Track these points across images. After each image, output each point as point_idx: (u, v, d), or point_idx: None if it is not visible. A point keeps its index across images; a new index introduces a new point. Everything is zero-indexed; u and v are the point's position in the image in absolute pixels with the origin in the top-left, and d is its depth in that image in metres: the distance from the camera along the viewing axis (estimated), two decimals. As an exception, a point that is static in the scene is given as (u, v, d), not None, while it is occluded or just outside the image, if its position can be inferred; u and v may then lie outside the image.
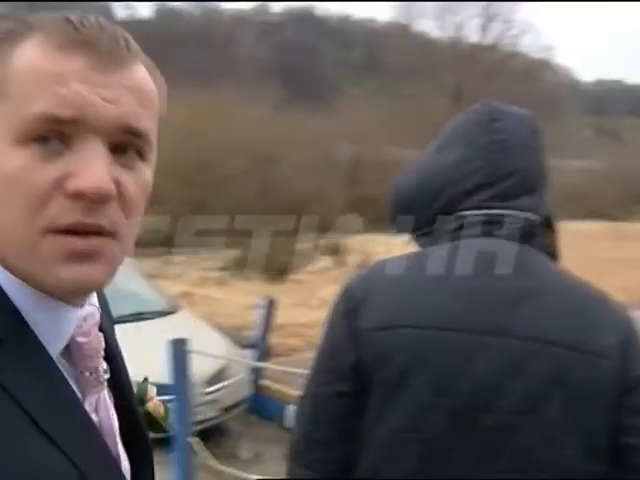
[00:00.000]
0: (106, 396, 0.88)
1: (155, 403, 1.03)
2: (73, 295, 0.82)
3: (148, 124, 0.81)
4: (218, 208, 15.02)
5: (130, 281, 7.38)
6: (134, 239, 0.85)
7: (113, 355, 0.93)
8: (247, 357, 6.91)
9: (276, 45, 51.74)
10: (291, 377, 6.16)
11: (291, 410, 6.39)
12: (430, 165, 1.40)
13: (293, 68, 46.92)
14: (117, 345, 0.98)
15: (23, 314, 0.80)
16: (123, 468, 0.88)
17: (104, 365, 0.87)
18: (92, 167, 0.75)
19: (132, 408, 0.95)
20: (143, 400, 1.02)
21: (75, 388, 0.84)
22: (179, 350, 4.25)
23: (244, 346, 7.13)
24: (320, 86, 44.73)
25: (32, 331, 0.80)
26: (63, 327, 0.82)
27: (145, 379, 1.06)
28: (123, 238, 0.81)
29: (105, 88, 0.77)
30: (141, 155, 0.82)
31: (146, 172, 0.82)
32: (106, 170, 0.76)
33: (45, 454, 0.74)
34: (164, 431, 1.03)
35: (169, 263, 13.21)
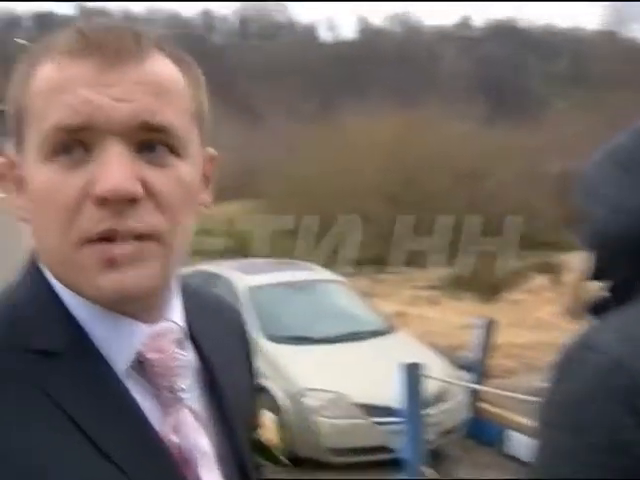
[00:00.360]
0: (190, 417, 0.83)
1: (268, 431, 0.99)
2: (117, 304, 0.78)
3: (170, 117, 0.77)
4: (426, 226, 14.95)
5: (346, 300, 7.49)
6: (184, 240, 0.81)
7: (220, 378, 0.89)
8: (464, 379, 6.74)
9: (479, 59, 50.98)
10: (510, 401, 5.93)
11: (511, 435, 6.14)
12: None
13: (497, 82, 45.95)
14: (236, 369, 0.94)
15: (85, 328, 0.78)
16: None
17: (181, 383, 0.83)
18: (110, 169, 0.73)
19: (234, 435, 0.88)
20: (256, 427, 0.96)
21: (154, 405, 0.81)
22: (413, 374, 4.20)
23: (460, 367, 6.97)
24: (525, 99, 43.39)
25: (93, 344, 0.78)
26: (127, 342, 0.80)
27: (256, 402, 1.00)
28: (166, 239, 0.77)
29: (114, 87, 0.75)
30: (173, 151, 0.77)
31: (182, 168, 0.78)
32: (125, 170, 0.73)
33: (100, 469, 0.73)
34: (277, 461, 0.96)
35: (379, 282, 13.30)
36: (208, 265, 8.60)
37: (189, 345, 0.88)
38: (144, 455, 0.77)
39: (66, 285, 0.79)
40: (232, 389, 0.91)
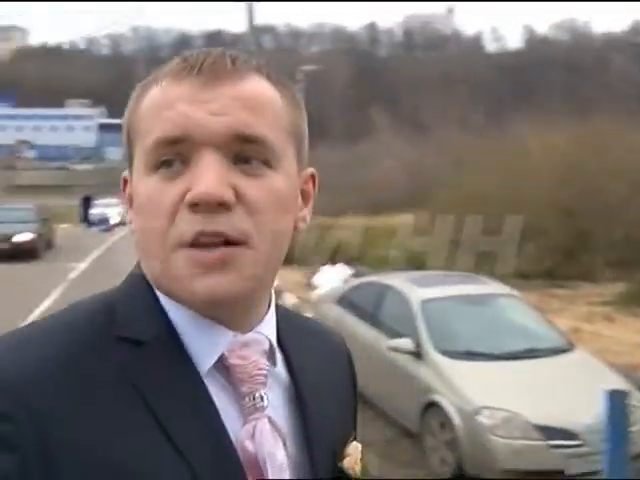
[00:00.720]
0: (268, 426, 0.85)
1: (352, 461, 0.94)
2: (209, 308, 0.82)
3: (264, 131, 0.81)
4: (601, 240, 14.24)
5: (522, 315, 7.23)
6: (276, 248, 0.83)
7: (307, 397, 0.91)
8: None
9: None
10: None
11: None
12: None
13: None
14: (328, 395, 0.95)
15: (175, 326, 0.83)
16: None
17: (262, 393, 0.85)
18: (204, 175, 0.77)
19: (313, 454, 0.89)
20: (341, 455, 0.94)
21: (235, 410, 0.84)
22: (617, 403, 3.99)
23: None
24: None
25: (179, 341, 0.83)
26: (212, 344, 0.83)
27: (352, 436, 0.98)
28: (256, 246, 0.80)
29: (210, 103, 0.80)
30: (266, 163, 0.81)
31: (274, 178, 0.82)
32: (217, 176, 0.77)
33: (161, 453, 0.76)
34: None
35: (550, 296, 12.81)
36: (379, 277, 8.62)
37: (280, 360, 0.91)
38: (215, 457, 0.79)
39: (163, 289, 0.84)
40: (319, 411, 0.92)
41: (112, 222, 33.17)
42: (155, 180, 0.81)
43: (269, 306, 0.91)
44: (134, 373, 0.79)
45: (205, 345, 0.83)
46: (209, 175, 0.78)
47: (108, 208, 35.72)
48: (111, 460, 0.75)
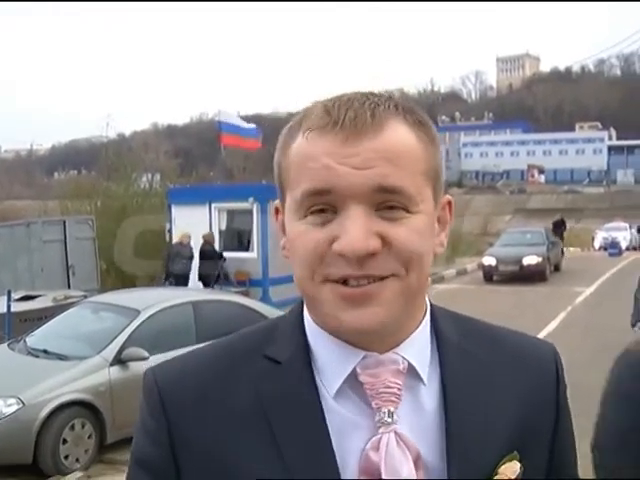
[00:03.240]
0: (394, 441, 0.91)
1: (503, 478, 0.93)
2: (354, 336, 0.92)
3: (403, 181, 0.88)
4: None
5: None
6: (422, 281, 0.92)
7: (454, 421, 0.94)
8: None
9: None
10: None
11: None
12: None
13: None
14: (498, 417, 0.96)
15: (312, 348, 0.96)
16: None
17: (390, 409, 0.92)
18: (348, 231, 0.87)
19: (452, 472, 0.92)
20: (493, 473, 0.94)
21: (365, 423, 0.92)
22: None
23: None
24: None
25: (311, 362, 0.95)
26: (343, 365, 0.93)
27: (513, 456, 0.96)
28: (403, 281, 0.90)
29: (353, 157, 0.88)
30: (406, 209, 0.89)
31: (414, 221, 0.90)
32: (362, 229, 0.87)
33: (265, 458, 0.90)
34: None
35: None
36: None
37: (433, 383, 0.96)
38: (315, 462, 0.89)
39: (313, 315, 0.96)
40: (472, 435, 0.94)
41: (623, 246, 32.01)
42: (305, 226, 0.90)
43: (419, 326, 0.98)
44: (264, 386, 0.94)
45: (336, 365, 0.94)
46: (355, 229, 0.87)
47: (618, 232, 34.62)
48: (224, 464, 0.91)
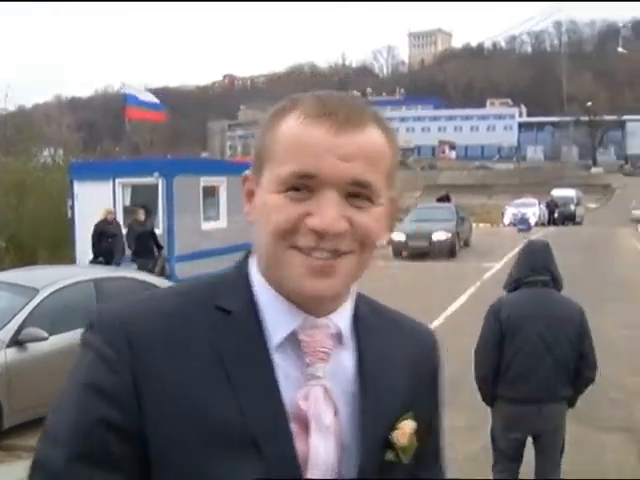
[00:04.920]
0: (322, 393, 1.06)
1: (401, 434, 1.10)
2: (308, 302, 1.06)
3: (374, 178, 1.04)
4: None
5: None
6: (369, 261, 1.08)
7: (368, 377, 1.11)
8: None
9: None
10: None
11: None
12: None
13: None
14: (396, 379, 1.15)
15: (259, 304, 1.08)
16: (314, 452, 1.04)
17: (321, 365, 1.07)
18: (324, 210, 1.01)
19: (363, 427, 1.08)
20: (393, 428, 1.11)
21: (298, 376, 1.06)
22: None
23: None
24: None
25: (259, 315, 1.07)
26: (286, 322, 1.07)
27: (410, 414, 1.13)
28: (358, 260, 1.05)
29: (341, 149, 1.02)
30: (370, 200, 1.04)
31: (376, 211, 1.06)
32: (336, 213, 1.01)
33: (223, 400, 1.01)
34: (400, 460, 1.09)
35: None
36: None
37: (350, 344, 1.12)
38: (265, 408, 1.02)
39: (267, 275, 1.09)
40: (379, 390, 1.12)
41: (532, 222, 33.09)
42: (282, 198, 1.03)
43: (348, 300, 1.13)
44: (218, 334, 1.05)
45: (280, 322, 1.07)
46: (330, 211, 1.01)
47: (527, 208, 35.77)
48: (183, 398, 1.01)
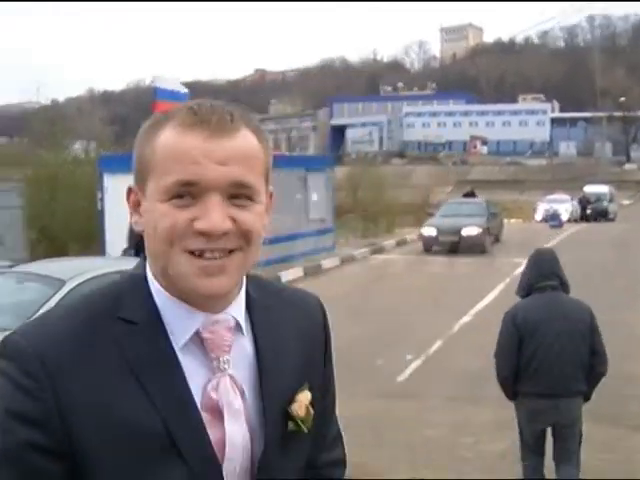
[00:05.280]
0: (229, 382, 1.16)
1: (299, 406, 1.21)
2: (204, 300, 1.14)
3: (252, 178, 1.13)
4: None
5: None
6: (256, 255, 1.16)
7: (265, 362, 1.22)
8: None
9: None
10: None
11: None
12: None
13: None
14: (291, 357, 1.25)
15: (160, 310, 1.15)
16: (230, 436, 1.15)
17: (225, 357, 1.17)
18: (211, 214, 1.09)
19: (265, 407, 1.19)
20: (291, 401, 1.22)
21: (206, 371, 1.16)
22: None
23: None
24: None
25: (162, 322, 1.14)
26: (188, 324, 1.15)
27: (305, 386, 1.24)
28: (245, 255, 1.14)
29: (217, 153, 1.10)
30: (250, 198, 1.13)
31: (256, 208, 1.14)
32: (220, 214, 1.09)
33: (140, 406, 1.08)
34: (301, 429, 1.21)
35: None
36: None
37: (247, 333, 1.22)
38: (180, 406, 1.11)
39: (162, 280, 1.15)
40: (277, 369, 1.22)
41: (564, 218, 32.69)
42: (168, 207, 1.10)
43: (240, 290, 1.22)
44: (126, 345, 1.11)
45: (182, 324, 1.15)
46: (215, 213, 1.09)
47: (559, 204, 35.34)
48: (104, 413, 1.06)
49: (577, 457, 4.62)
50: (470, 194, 29.20)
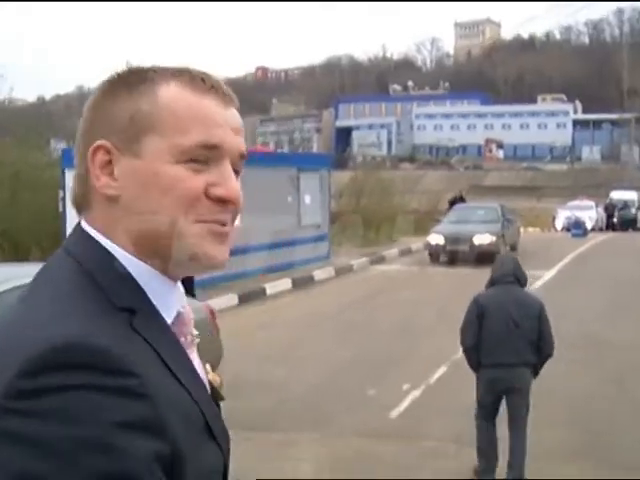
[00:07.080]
0: (196, 355, 1.20)
1: (212, 376, 1.28)
2: (210, 268, 1.15)
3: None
4: None
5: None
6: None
7: None
8: None
9: None
10: None
11: None
12: None
13: None
14: None
15: (144, 288, 1.11)
16: None
17: (194, 331, 1.20)
18: (230, 181, 1.11)
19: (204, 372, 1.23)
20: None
21: (186, 345, 1.17)
22: None
23: None
24: None
25: (154, 305, 1.11)
26: (174, 300, 1.15)
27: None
28: (234, 222, 1.17)
29: (232, 121, 1.13)
30: (238, 173, 1.16)
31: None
32: (237, 184, 1.13)
33: (177, 390, 1.07)
34: (221, 398, 1.28)
35: None
36: None
37: None
38: (195, 381, 1.12)
39: (146, 247, 1.11)
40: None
41: (588, 226, 31.90)
42: (183, 169, 1.08)
43: None
44: (144, 335, 1.06)
45: (167, 301, 1.13)
46: (235, 182, 1.12)
47: (583, 211, 34.55)
48: (172, 398, 1.03)
49: (524, 423, 6.06)
50: (459, 199, 28.15)
